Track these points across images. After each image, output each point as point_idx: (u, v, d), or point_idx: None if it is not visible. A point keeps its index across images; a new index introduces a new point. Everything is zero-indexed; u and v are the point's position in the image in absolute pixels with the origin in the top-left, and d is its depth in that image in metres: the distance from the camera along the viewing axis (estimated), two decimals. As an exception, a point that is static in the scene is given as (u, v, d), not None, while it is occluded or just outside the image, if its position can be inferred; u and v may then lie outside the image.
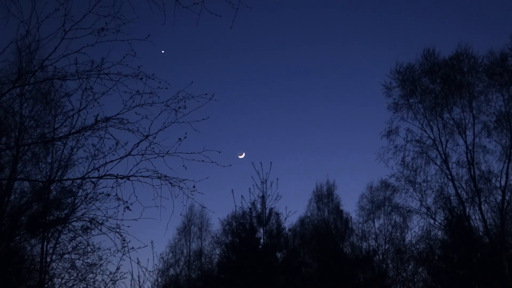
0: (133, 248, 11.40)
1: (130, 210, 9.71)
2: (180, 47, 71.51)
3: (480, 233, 32.73)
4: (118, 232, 10.77)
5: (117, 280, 16.95)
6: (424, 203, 34.81)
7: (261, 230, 25.80)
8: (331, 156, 70.01)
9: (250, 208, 25.69)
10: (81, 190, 16.06)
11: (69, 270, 18.51)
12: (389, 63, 48.14)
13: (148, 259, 15.85)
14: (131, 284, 14.33)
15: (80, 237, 17.42)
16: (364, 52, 68.06)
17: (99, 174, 9.39)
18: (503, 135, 33.01)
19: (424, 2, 70.03)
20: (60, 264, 18.85)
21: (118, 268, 15.97)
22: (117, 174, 9.26)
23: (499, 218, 31.87)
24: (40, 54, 13.42)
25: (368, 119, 66.81)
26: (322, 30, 71.82)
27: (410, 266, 38.96)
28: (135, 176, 9.28)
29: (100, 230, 11.67)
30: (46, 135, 14.05)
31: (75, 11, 8.61)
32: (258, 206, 25.49)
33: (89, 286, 18.10)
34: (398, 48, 68.29)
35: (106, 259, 17.99)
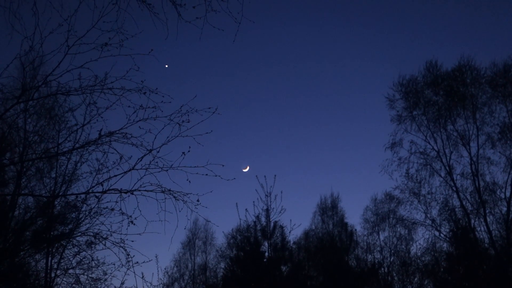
0: (137, 262, 11.38)
1: (134, 224, 9.70)
2: (183, 61, 71.71)
3: (486, 245, 32.59)
4: (122, 247, 10.77)
5: (122, 295, 16.89)
6: (429, 215, 34.71)
7: (266, 244, 25.78)
8: (335, 168, 69.85)
9: (255, 222, 25.68)
10: (85, 205, 16.01)
11: (74, 285, 18.49)
12: (392, 77, 48.38)
13: (152, 273, 15.75)
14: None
15: (84, 252, 17.46)
16: (366, 67, 68.14)
17: (103, 189, 9.38)
18: (507, 146, 32.99)
19: (426, 15, 70.19)
20: (64, 279, 18.84)
21: (122, 283, 15.88)
22: (121, 189, 9.26)
23: (504, 230, 31.73)
24: (44, 70, 13.56)
25: (371, 132, 66.71)
26: (325, 46, 71.92)
27: (416, 279, 38.82)
28: (139, 190, 9.27)
29: (105, 245, 11.62)
30: (50, 150, 14.06)
31: (79, 27, 8.67)
32: (263, 219, 25.47)
33: (93, 301, 18.07)
34: (401, 62, 68.33)
35: (110, 274, 17.94)
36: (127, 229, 9.92)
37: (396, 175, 36.21)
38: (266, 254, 25.93)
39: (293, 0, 73.31)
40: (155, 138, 9.32)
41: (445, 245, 34.55)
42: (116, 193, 9.31)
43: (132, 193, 9.26)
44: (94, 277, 18.41)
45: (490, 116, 33.64)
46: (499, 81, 33.37)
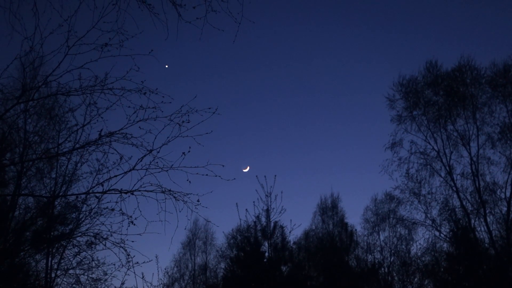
0: (137, 262, 11.37)
1: (134, 224, 9.69)
2: (183, 61, 71.84)
3: (486, 245, 32.58)
4: (122, 247, 10.75)
5: (122, 295, 16.86)
6: (429, 215, 34.71)
7: (266, 244, 25.76)
8: (335, 168, 69.99)
9: (255, 222, 25.68)
10: (85, 205, 16.02)
11: (74, 285, 18.45)
12: (392, 77, 48.26)
13: (153, 273, 15.72)
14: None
15: (84, 252, 17.40)
16: (366, 67, 68.22)
17: (103, 189, 9.36)
18: (507, 146, 32.98)
19: (426, 15, 70.25)
20: (64, 279, 18.81)
21: (123, 283, 15.88)
22: (121, 189, 9.24)
23: (504, 230, 31.71)
24: (44, 70, 13.50)
25: (371, 132, 66.84)
26: (325, 46, 72.05)
27: (416, 279, 38.84)
28: (139, 190, 9.26)
29: (105, 245, 11.60)
30: (51, 150, 14.04)
31: (79, 27, 8.66)
32: (263, 219, 25.48)
33: (94, 301, 18.06)
34: (401, 62, 68.52)
35: (110, 274, 17.90)
36: (127, 229, 9.92)
37: (396, 175, 36.32)
38: (266, 254, 25.90)
39: (293, 0, 73.37)
40: (155, 138, 9.31)
41: (445, 245, 34.61)
42: (116, 193, 9.31)
43: (132, 194, 9.25)
44: (94, 278, 18.39)
45: (490, 116, 33.69)
46: (499, 81, 33.36)
